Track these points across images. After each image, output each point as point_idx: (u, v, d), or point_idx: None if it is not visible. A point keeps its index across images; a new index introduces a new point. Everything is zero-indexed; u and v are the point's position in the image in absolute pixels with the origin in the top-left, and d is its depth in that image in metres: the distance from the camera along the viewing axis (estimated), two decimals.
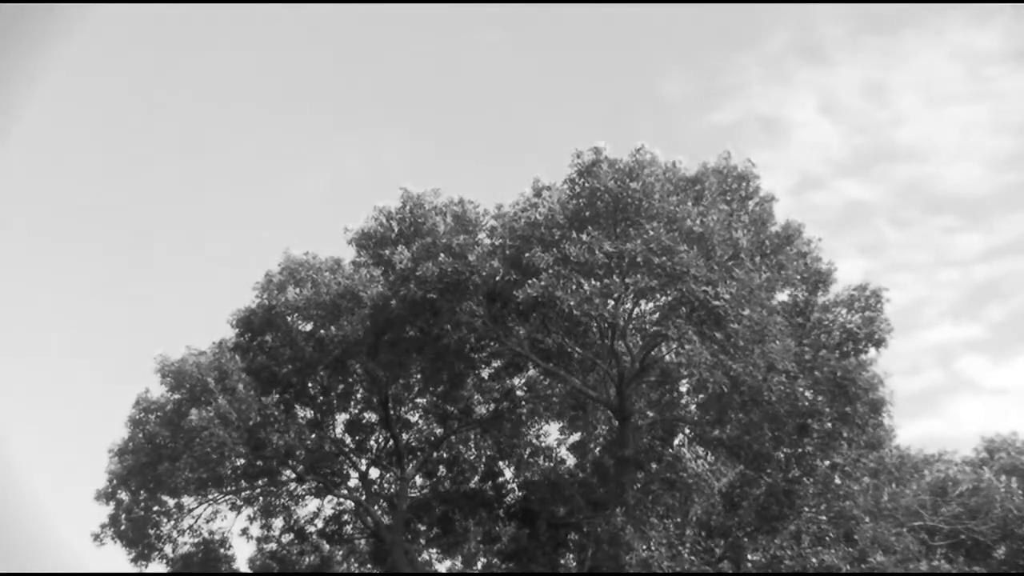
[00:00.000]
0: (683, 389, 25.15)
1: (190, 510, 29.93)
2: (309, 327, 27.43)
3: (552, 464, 29.50)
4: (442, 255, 22.00)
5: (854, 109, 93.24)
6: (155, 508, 29.32)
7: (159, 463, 27.69)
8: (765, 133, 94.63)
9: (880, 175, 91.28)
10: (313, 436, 28.32)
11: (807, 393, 21.35)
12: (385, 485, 31.12)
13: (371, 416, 30.50)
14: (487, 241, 22.94)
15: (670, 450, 25.01)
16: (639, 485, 24.50)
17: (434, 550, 31.53)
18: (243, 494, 30.48)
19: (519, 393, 29.14)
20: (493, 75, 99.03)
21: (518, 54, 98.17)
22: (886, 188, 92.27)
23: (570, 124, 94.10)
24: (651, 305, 22.35)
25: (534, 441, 29.92)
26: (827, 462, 22.07)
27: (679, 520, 23.41)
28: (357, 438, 30.67)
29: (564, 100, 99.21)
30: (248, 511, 30.88)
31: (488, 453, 30.59)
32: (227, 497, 30.34)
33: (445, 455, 31.24)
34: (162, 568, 29.49)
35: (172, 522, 29.73)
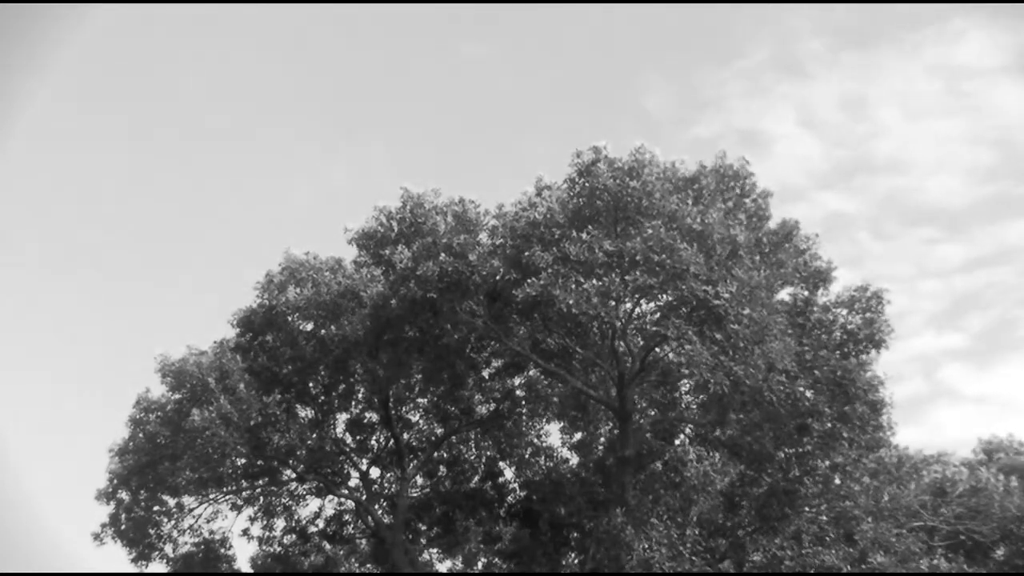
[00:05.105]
0: (684, 389, 25.16)
1: (191, 510, 29.97)
2: (310, 327, 27.41)
3: (554, 464, 29.48)
4: (442, 254, 22.00)
5: (833, 122, 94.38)
6: (155, 508, 29.35)
7: (160, 463, 27.73)
8: (745, 146, 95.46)
9: (860, 187, 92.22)
10: (314, 436, 28.31)
11: (807, 393, 21.34)
12: (386, 485, 31.11)
13: (372, 416, 30.50)
14: (487, 241, 22.93)
15: (671, 450, 25.05)
16: (640, 485, 24.51)
17: (435, 550, 31.51)
18: (244, 494, 30.50)
19: (520, 393, 29.13)
20: (477, 90, 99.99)
21: (501, 70, 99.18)
22: (867, 200, 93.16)
23: (554, 139, 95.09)
24: (651, 305, 22.36)
25: (535, 441, 29.91)
26: (827, 462, 22.07)
27: (680, 520, 23.41)
28: (358, 438, 30.67)
29: (547, 115, 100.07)
30: (249, 511, 30.91)
31: (489, 453, 30.58)
32: (228, 497, 30.35)
33: (446, 455, 31.23)
34: (162, 568, 29.52)
35: (172, 522, 29.75)
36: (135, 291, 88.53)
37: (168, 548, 29.58)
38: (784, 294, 23.18)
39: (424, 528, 31.24)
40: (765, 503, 22.17)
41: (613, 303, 20.32)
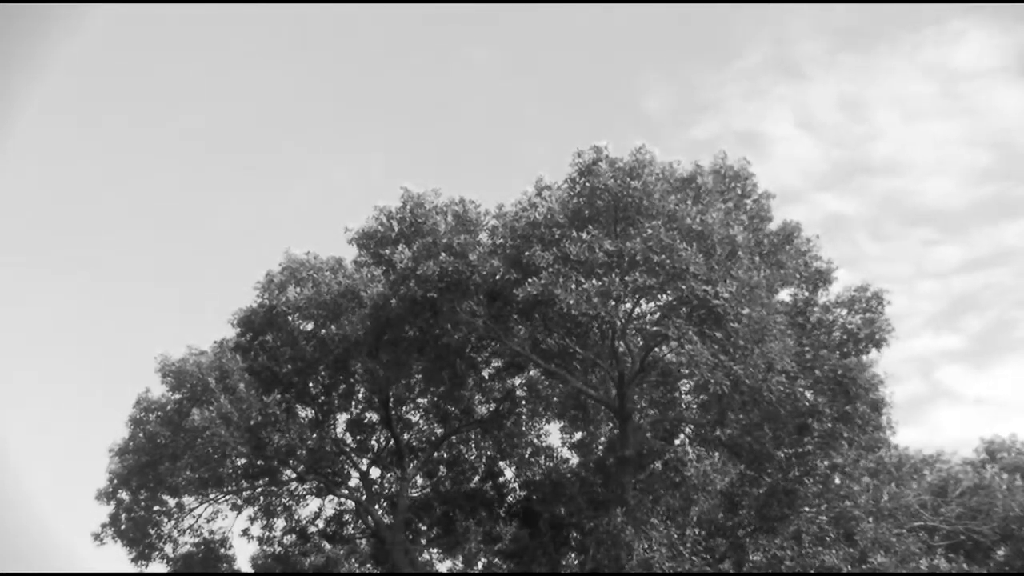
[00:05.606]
0: (684, 389, 25.13)
1: (191, 510, 29.99)
2: (310, 327, 27.40)
3: (553, 464, 29.48)
4: (443, 254, 21.98)
5: (831, 124, 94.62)
6: (156, 508, 29.37)
7: (160, 463, 27.75)
8: (744, 148, 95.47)
9: (858, 189, 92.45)
10: (314, 436, 28.30)
11: (807, 393, 21.33)
12: (386, 485, 31.12)
13: (372, 416, 30.50)
14: (488, 240, 22.91)
15: (671, 450, 25.03)
16: (640, 485, 24.49)
17: (435, 550, 31.49)
18: (244, 494, 30.50)
19: (520, 393, 29.12)
20: (478, 93, 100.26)
21: (501, 71, 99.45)
22: (865, 201, 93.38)
23: (553, 140, 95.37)
24: (651, 305, 22.35)
25: (535, 441, 29.90)
26: (827, 462, 22.05)
27: (680, 520, 23.39)
28: (358, 438, 30.67)
29: (547, 116, 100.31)
30: (249, 511, 30.90)
31: (489, 453, 30.56)
32: (228, 497, 30.36)
33: (446, 455, 31.23)
34: (162, 568, 29.54)
35: (173, 522, 29.77)
36: (135, 291, 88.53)
37: (168, 548, 29.62)
38: (784, 294, 23.19)
39: (424, 528, 31.24)
40: (765, 503, 22.14)
41: (613, 303, 20.29)
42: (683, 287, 19.53)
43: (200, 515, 30.18)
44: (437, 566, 31.52)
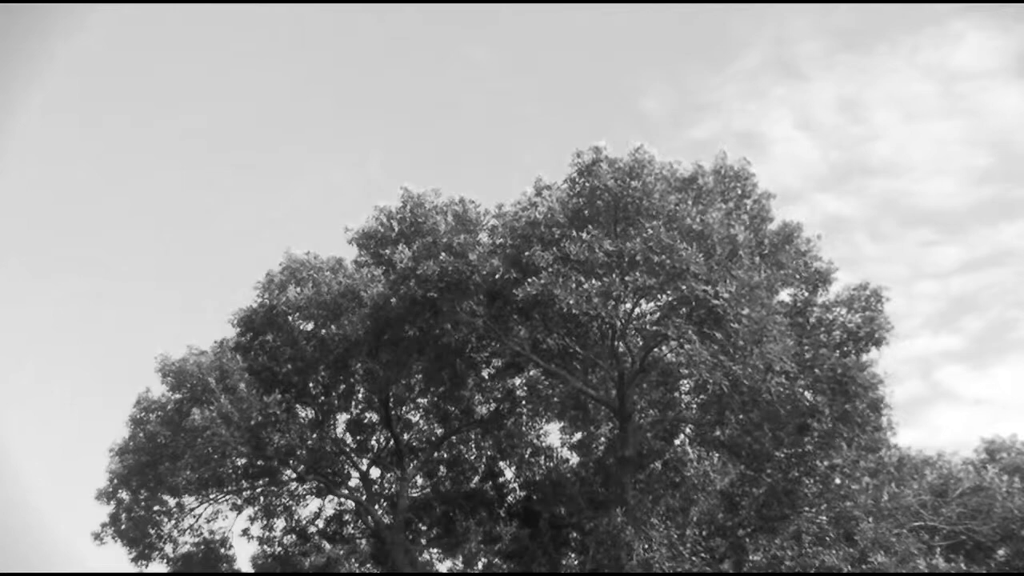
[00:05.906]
0: (684, 389, 25.14)
1: (191, 510, 30.02)
2: (310, 327, 27.41)
3: (554, 464, 29.49)
4: (443, 254, 21.99)
5: (830, 125, 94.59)
6: (156, 507, 29.38)
7: (160, 462, 27.77)
8: (742, 149, 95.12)
9: (857, 189, 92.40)
10: (314, 436, 28.33)
11: (807, 393, 21.33)
12: (386, 485, 31.14)
13: (372, 416, 30.52)
14: (488, 240, 22.93)
15: (671, 450, 25.04)
16: (640, 485, 24.50)
17: (435, 550, 31.50)
18: (244, 494, 30.52)
19: (520, 393, 29.12)
20: (478, 93, 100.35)
21: (500, 72, 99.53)
22: (864, 202, 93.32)
23: (552, 141, 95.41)
24: (651, 305, 22.36)
25: (535, 441, 29.91)
26: (826, 462, 22.04)
27: (680, 520, 23.39)
28: (358, 438, 30.69)
29: (546, 117, 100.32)
30: (249, 511, 30.93)
31: (489, 453, 30.58)
32: (228, 497, 30.37)
33: (446, 455, 31.24)
34: (162, 568, 29.56)
35: (173, 522, 29.80)
36: (135, 291, 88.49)
37: (168, 548, 29.65)
38: (784, 295, 23.19)
39: (424, 528, 31.25)
40: (765, 503, 22.15)
41: (613, 303, 20.30)
42: (683, 287, 19.54)
43: (200, 515, 30.25)
44: (437, 566, 31.54)
